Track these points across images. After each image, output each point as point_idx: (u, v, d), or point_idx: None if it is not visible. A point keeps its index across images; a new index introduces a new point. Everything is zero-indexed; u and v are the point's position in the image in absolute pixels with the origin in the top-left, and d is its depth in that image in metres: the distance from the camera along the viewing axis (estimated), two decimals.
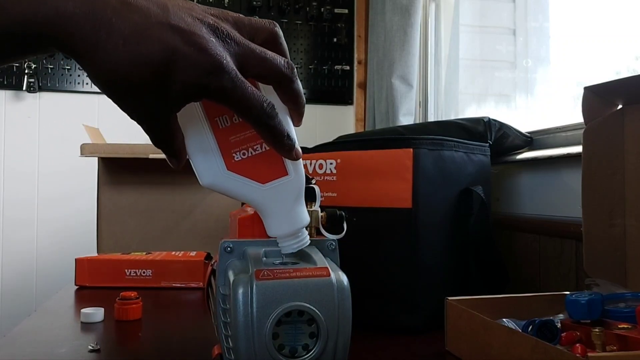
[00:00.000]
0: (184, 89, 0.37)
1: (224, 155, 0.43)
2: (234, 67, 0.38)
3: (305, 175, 0.58)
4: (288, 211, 0.45)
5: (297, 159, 0.44)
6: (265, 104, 0.39)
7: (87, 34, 0.34)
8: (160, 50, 0.35)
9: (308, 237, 0.47)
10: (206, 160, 0.43)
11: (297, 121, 0.44)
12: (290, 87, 0.42)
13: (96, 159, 1.33)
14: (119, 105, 0.38)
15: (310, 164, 0.84)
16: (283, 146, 0.42)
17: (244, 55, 0.39)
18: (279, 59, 0.40)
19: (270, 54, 0.40)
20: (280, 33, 0.43)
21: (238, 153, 0.43)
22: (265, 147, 0.44)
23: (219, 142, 0.43)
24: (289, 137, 0.42)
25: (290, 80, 0.41)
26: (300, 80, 0.41)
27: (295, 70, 0.42)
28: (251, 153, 0.43)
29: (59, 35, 0.34)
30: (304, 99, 0.43)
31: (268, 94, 0.41)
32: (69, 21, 0.34)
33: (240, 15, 0.41)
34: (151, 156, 1.25)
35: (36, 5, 0.33)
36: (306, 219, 0.46)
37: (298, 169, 0.45)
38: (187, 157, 0.43)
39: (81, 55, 0.35)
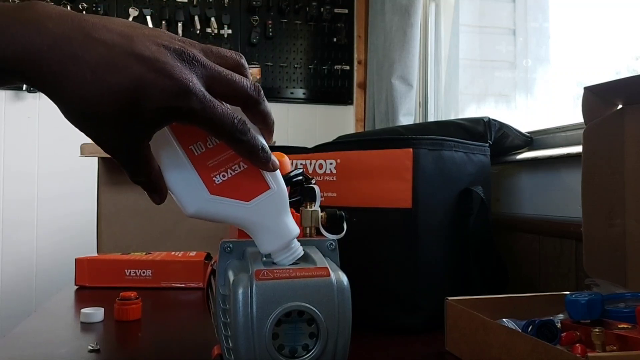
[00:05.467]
0: (154, 113, 0.38)
1: (205, 181, 0.43)
2: (201, 88, 0.39)
3: (305, 175, 0.58)
4: (276, 225, 0.45)
5: (274, 170, 0.45)
6: (236, 121, 0.40)
7: (55, 68, 0.35)
8: (127, 78, 0.36)
9: (301, 247, 0.47)
10: (188, 188, 0.43)
11: (268, 139, 0.45)
12: (257, 108, 0.43)
13: (96, 159, 1.33)
14: (92, 138, 0.39)
15: (310, 164, 0.84)
16: (259, 159, 0.43)
17: (210, 77, 0.40)
18: (246, 82, 0.41)
19: (237, 76, 0.41)
20: (246, 65, 0.44)
21: (218, 176, 0.43)
22: (243, 166, 0.44)
23: (198, 169, 0.43)
24: (263, 149, 0.43)
25: (257, 101, 0.42)
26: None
27: (262, 92, 0.43)
28: (230, 174, 0.44)
29: (28, 71, 0.35)
30: (273, 119, 0.44)
31: (238, 112, 0.42)
32: (36, 57, 0.35)
33: (211, 46, 0.43)
34: None
35: (2, 42, 0.35)
36: (295, 230, 0.46)
37: (278, 181, 0.45)
38: (168, 190, 0.43)
39: (50, 90, 0.36)
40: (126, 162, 0.41)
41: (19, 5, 0.37)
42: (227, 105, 0.42)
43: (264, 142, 0.43)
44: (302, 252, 0.48)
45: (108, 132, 0.38)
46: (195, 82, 0.38)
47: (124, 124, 0.37)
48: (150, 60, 0.37)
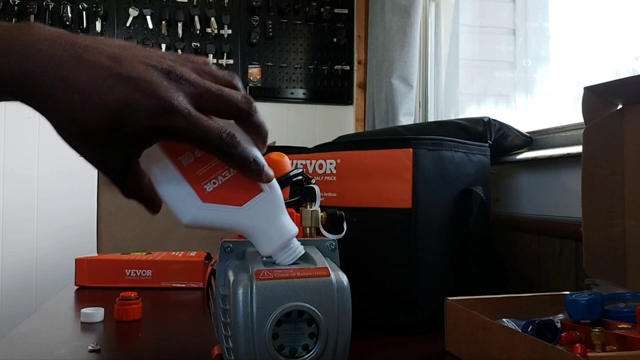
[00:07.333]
0: (139, 132, 0.38)
1: (196, 190, 0.43)
2: (187, 106, 0.39)
3: (305, 175, 0.58)
4: (273, 225, 0.45)
5: (268, 181, 0.44)
6: (223, 135, 0.40)
7: (46, 90, 0.37)
8: (113, 99, 0.37)
9: (301, 246, 0.48)
10: (180, 199, 0.43)
11: (262, 149, 0.45)
12: (249, 120, 0.43)
13: None
14: (82, 156, 0.40)
15: (310, 164, 0.84)
16: (251, 171, 0.43)
17: (199, 94, 0.40)
18: (236, 95, 0.42)
19: (227, 90, 0.42)
20: (239, 84, 0.44)
21: (209, 184, 0.44)
22: (233, 172, 0.44)
23: (188, 178, 0.43)
24: (255, 161, 0.43)
25: (248, 114, 0.42)
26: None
27: (254, 104, 0.43)
28: (221, 181, 0.44)
29: (21, 92, 0.37)
30: (266, 129, 0.44)
31: (231, 126, 0.42)
32: (29, 80, 0.37)
33: (204, 65, 0.43)
34: None
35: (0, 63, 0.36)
36: (294, 229, 0.46)
37: (271, 182, 0.45)
38: (162, 201, 0.44)
39: (42, 109, 0.38)
40: (116, 179, 0.42)
41: (16, 25, 0.38)
42: (219, 120, 0.42)
43: (256, 153, 0.43)
44: (303, 251, 0.48)
45: (97, 150, 0.39)
46: (181, 100, 0.39)
47: (112, 143, 0.39)
48: (136, 80, 0.38)
